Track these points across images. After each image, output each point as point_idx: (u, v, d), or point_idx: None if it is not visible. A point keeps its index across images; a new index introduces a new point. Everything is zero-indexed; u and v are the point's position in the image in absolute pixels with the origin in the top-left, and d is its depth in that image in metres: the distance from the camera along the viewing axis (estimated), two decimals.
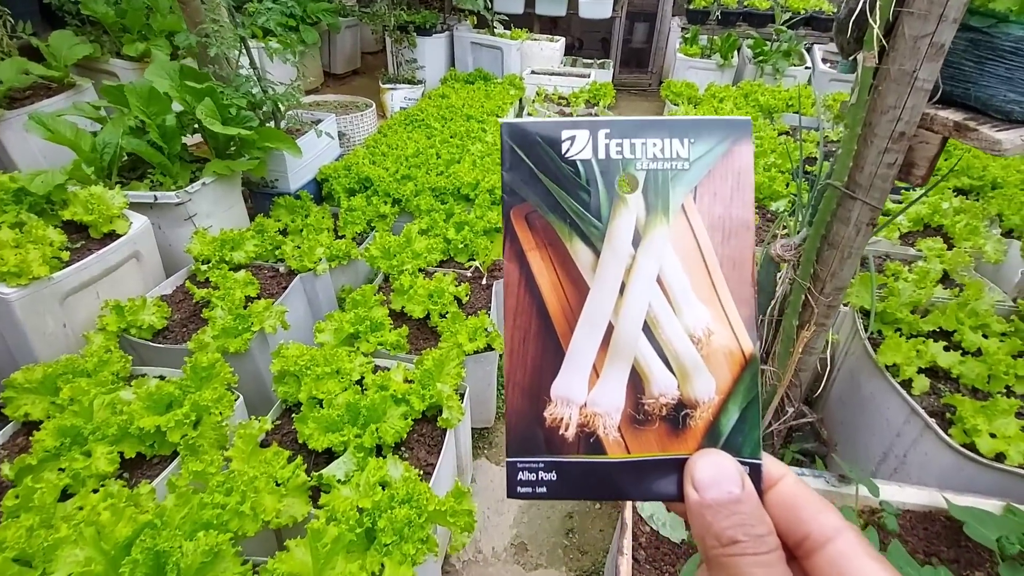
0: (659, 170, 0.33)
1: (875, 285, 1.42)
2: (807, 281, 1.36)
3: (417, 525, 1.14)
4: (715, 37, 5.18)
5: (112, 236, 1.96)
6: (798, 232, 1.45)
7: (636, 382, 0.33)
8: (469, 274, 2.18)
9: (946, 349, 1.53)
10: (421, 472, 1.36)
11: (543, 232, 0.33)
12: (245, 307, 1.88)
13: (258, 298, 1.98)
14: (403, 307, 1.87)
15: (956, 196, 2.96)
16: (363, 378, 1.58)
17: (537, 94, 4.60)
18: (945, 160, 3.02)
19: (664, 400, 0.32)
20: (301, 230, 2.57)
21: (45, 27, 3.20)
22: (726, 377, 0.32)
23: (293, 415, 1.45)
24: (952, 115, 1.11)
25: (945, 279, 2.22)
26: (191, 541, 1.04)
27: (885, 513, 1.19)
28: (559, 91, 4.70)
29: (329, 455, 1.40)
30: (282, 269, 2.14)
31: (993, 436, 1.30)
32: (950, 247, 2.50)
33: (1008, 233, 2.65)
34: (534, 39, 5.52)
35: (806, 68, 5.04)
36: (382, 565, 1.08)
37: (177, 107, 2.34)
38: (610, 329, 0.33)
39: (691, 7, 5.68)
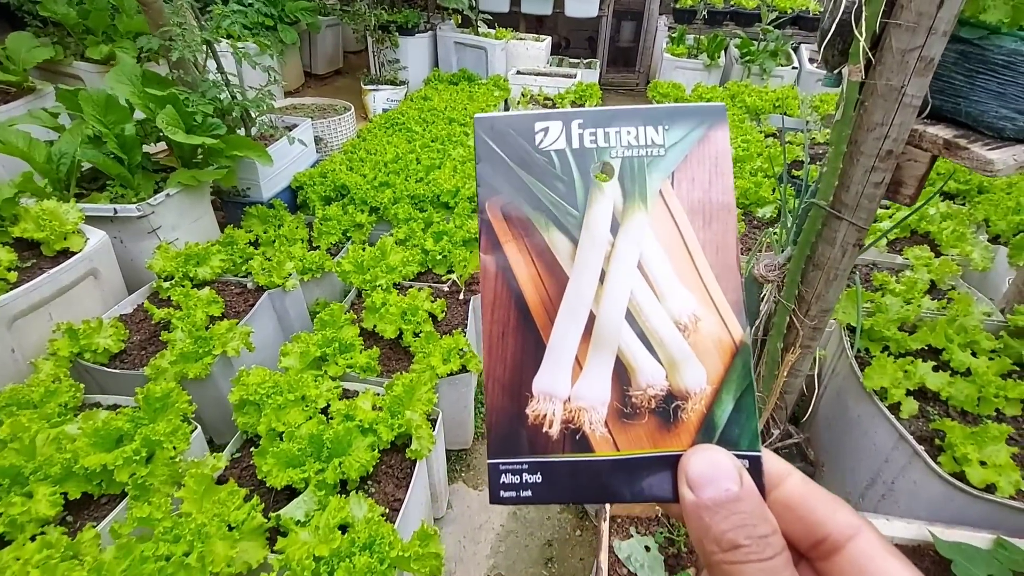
0: (634, 157, 0.32)
1: (862, 302, 1.36)
2: (792, 303, 1.30)
3: (379, 573, 1.06)
4: (702, 37, 5.12)
5: (67, 253, 1.85)
6: (782, 250, 1.39)
7: (621, 373, 0.31)
8: (446, 288, 2.10)
9: (935, 369, 1.48)
10: (387, 510, 1.28)
11: (519, 223, 0.32)
12: (209, 327, 1.79)
13: (223, 317, 1.88)
14: (375, 326, 1.79)
15: (943, 201, 2.93)
16: (329, 405, 1.50)
17: (522, 95, 4.52)
18: (938, 175, 2.99)
19: (652, 392, 0.31)
20: (273, 241, 2.47)
21: (5, 28, 3.05)
22: (717, 366, 0.31)
23: (252, 448, 1.36)
24: (942, 132, 1.04)
25: (933, 288, 2.18)
26: None
27: None
28: (544, 92, 4.62)
29: (291, 491, 1.32)
30: (250, 285, 2.04)
31: (984, 464, 1.25)
32: (937, 254, 2.47)
33: (995, 239, 2.62)
34: (520, 38, 5.43)
35: (793, 68, 5.00)
36: None
37: (140, 115, 2.23)
38: (591, 319, 0.31)
39: (678, 6, 5.62)
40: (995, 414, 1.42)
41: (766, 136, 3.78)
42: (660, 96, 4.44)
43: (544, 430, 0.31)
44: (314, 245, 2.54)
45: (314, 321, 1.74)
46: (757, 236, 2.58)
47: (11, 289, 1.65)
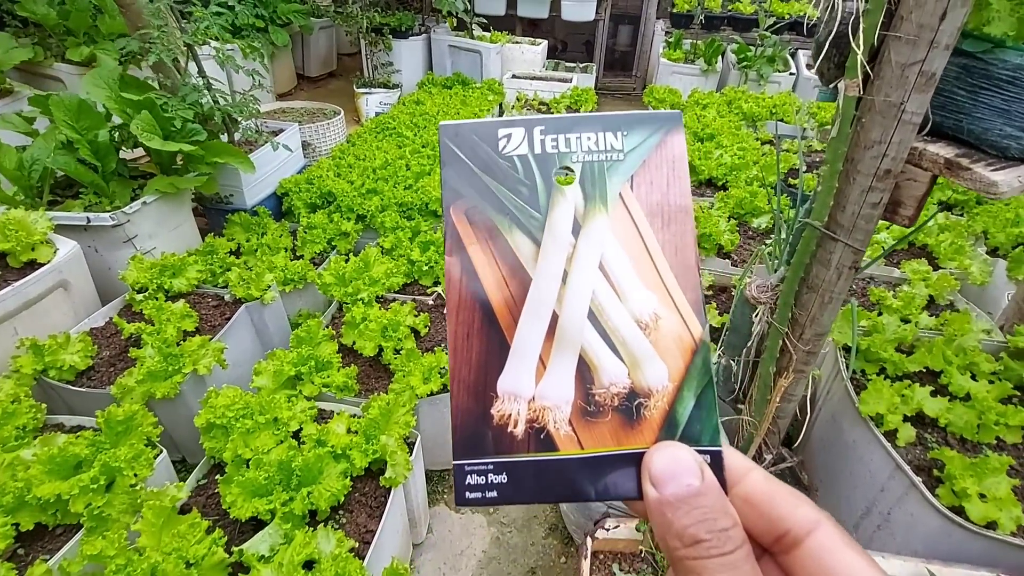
0: (595, 162, 0.33)
1: (857, 321, 1.30)
2: (785, 326, 1.24)
3: None
4: (699, 42, 5.07)
5: (35, 265, 1.78)
6: (775, 270, 1.33)
7: (584, 372, 0.31)
8: (431, 302, 2.03)
9: (933, 393, 1.42)
10: (358, 543, 1.22)
11: (483, 226, 0.33)
12: (183, 342, 1.72)
13: (196, 332, 1.82)
14: (354, 342, 1.72)
15: (941, 211, 2.88)
16: (302, 428, 1.43)
17: (517, 99, 4.46)
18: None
19: (615, 389, 0.31)
20: (255, 250, 2.40)
21: None
22: (678, 363, 0.31)
23: (218, 476, 1.30)
24: (943, 151, 0.99)
25: (931, 303, 2.12)
26: None
27: None
28: (540, 96, 4.57)
29: (258, 522, 1.25)
30: (227, 297, 1.98)
31: (983, 498, 1.19)
32: (935, 267, 2.42)
33: (993, 251, 2.57)
34: (515, 42, 5.38)
35: (790, 74, 4.95)
36: None
37: (118, 120, 2.16)
38: (555, 319, 0.32)
39: (675, 11, 5.57)
40: (995, 442, 1.36)
41: (763, 143, 3.73)
42: (656, 101, 4.39)
43: (509, 430, 0.31)
44: (298, 254, 2.47)
45: (291, 337, 1.67)
46: (752, 248, 2.53)
47: None
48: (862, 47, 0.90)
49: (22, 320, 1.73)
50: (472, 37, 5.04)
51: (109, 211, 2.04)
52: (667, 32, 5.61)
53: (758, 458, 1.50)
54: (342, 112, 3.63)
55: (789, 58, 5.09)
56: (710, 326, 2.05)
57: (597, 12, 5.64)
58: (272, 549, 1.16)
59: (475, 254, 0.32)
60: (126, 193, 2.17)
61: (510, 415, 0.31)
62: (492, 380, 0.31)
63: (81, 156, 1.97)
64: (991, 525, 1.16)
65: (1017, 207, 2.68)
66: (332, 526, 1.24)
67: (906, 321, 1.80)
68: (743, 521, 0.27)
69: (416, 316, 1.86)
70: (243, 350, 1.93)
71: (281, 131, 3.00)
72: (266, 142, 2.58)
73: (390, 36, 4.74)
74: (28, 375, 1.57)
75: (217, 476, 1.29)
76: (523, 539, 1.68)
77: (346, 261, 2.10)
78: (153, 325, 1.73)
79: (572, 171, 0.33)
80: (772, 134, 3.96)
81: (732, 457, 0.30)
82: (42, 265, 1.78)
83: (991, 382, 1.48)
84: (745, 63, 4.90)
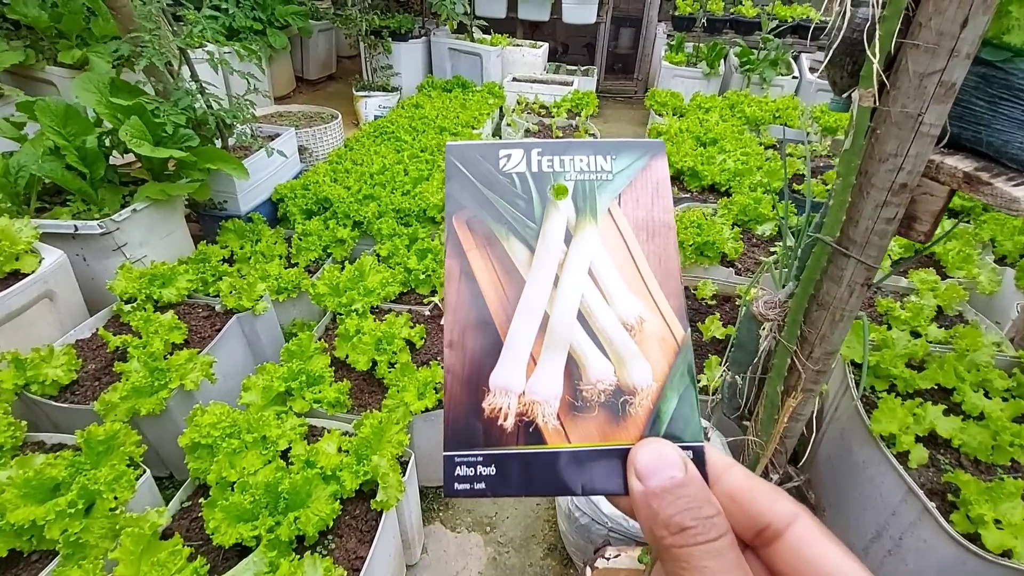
0: (586, 180, 0.36)
1: (867, 337, 1.25)
2: (793, 344, 1.19)
3: None
4: (701, 45, 5.03)
5: (19, 275, 1.74)
6: (783, 286, 1.28)
7: (573, 369, 0.33)
8: (427, 312, 1.98)
9: (946, 412, 1.37)
10: (347, 570, 1.17)
11: (482, 234, 0.35)
12: (172, 355, 1.67)
13: (186, 344, 1.77)
14: (347, 355, 1.67)
15: (947, 218, 2.83)
16: (291, 447, 1.38)
17: (518, 102, 4.42)
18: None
19: (602, 386, 0.33)
20: (249, 258, 2.36)
21: None
22: (661, 363, 0.33)
23: (202, 499, 1.25)
24: (961, 164, 0.94)
25: (940, 314, 2.07)
26: None
27: None
28: (540, 99, 4.52)
29: (243, 549, 1.20)
30: (218, 308, 1.93)
31: (999, 524, 1.14)
32: (942, 275, 2.36)
33: (1001, 260, 2.52)
34: (516, 45, 5.34)
35: (793, 78, 4.91)
36: None
37: (109, 125, 2.12)
38: (546, 319, 0.34)
39: (677, 14, 5.53)
40: (1010, 464, 1.31)
41: (766, 148, 3.68)
42: (658, 105, 4.35)
43: (499, 423, 0.32)
44: (292, 262, 2.43)
45: (282, 351, 1.62)
46: (756, 256, 2.48)
47: None
48: (878, 55, 0.85)
49: (5, 332, 1.68)
50: (472, 40, 5.00)
51: (98, 219, 1.99)
52: (669, 35, 5.57)
53: (765, 477, 1.45)
54: (340, 116, 3.59)
55: (792, 61, 5.04)
56: (714, 337, 1.99)
57: (598, 15, 5.60)
58: None
59: (474, 258, 0.34)
60: (116, 200, 2.13)
61: (501, 408, 0.32)
62: (485, 375, 0.32)
63: (68, 163, 1.93)
64: (1007, 553, 1.11)
65: None
66: (320, 552, 1.19)
67: (916, 335, 1.75)
68: (726, 516, 0.28)
69: (412, 328, 1.81)
70: (234, 362, 1.88)
71: (277, 135, 2.96)
72: (260, 148, 2.53)
73: (389, 39, 4.70)
74: (9, 390, 1.52)
75: (201, 499, 1.24)
76: (521, 560, 1.63)
77: (341, 269, 2.05)
78: (140, 337, 1.69)
79: (565, 187, 0.36)
80: (775, 138, 3.91)
81: (713, 454, 0.31)
82: (26, 275, 1.73)
83: (1005, 399, 1.43)
84: (748, 66, 4.85)
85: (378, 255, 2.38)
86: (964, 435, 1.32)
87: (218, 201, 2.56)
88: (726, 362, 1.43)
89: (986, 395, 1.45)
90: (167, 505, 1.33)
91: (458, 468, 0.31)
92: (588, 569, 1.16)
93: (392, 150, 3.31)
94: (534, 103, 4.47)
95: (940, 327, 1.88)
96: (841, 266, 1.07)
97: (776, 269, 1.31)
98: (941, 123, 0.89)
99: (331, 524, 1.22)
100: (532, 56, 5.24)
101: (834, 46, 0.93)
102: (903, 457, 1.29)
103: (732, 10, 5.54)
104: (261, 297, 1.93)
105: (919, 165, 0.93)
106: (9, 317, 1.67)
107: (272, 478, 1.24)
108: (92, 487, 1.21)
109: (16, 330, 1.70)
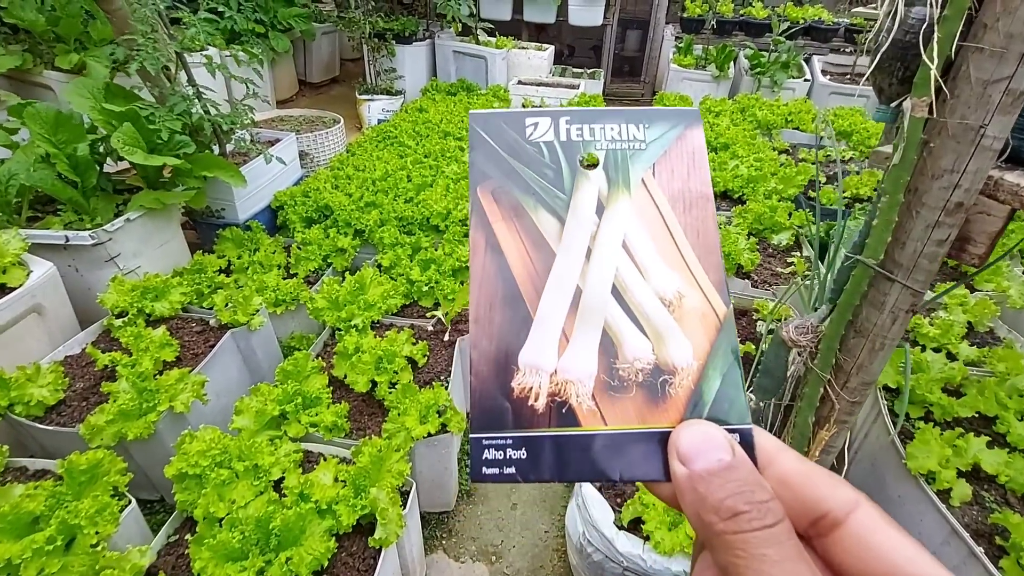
0: (618, 150, 0.34)
1: (909, 367, 1.15)
2: (827, 373, 1.10)
3: None
4: (710, 47, 4.93)
5: (5, 289, 1.66)
6: (813, 307, 1.18)
7: (608, 346, 0.31)
8: (431, 327, 1.89)
9: (989, 445, 1.26)
10: None
11: (508, 205, 0.33)
12: (163, 373, 1.59)
13: (177, 362, 1.69)
14: (346, 375, 1.59)
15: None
16: (285, 476, 1.29)
17: (523, 106, 4.34)
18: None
19: (639, 365, 0.31)
20: (247, 268, 2.28)
21: None
22: (702, 340, 0.31)
23: (188, 536, 1.16)
24: None
25: (970, 330, 1.96)
26: None
27: None
28: (546, 103, 4.44)
29: None
30: (213, 322, 1.85)
31: None
32: (970, 288, 2.26)
33: None
34: (521, 47, 5.26)
35: (805, 80, 4.80)
36: None
37: (104, 131, 2.05)
38: (578, 293, 0.32)
39: (685, 15, 5.44)
40: None
41: (779, 152, 3.58)
42: None
43: (530, 403, 0.30)
44: (291, 272, 2.35)
45: (277, 371, 1.54)
46: (772, 266, 2.38)
47: None
48: (936, 60, 0.76)
49: None
50: (477, 42, 4.93)
51: (90, 229, 1.92)
52: (677, 37, 5.48)
53: None
54: (342, 121, 3.52)
55: (803, 64, 4.94)
56: None
57: (605, 17, 5.51)
58: None
59: (500, 230, 0.32)
60: (109, 209, 2.06)
61: (531, 388, 0.30)
62: (514, 352, 0.30)
63: (59, 171, 1.86)
64: None
65: None
66: None
67: (949, 356, 1.65)
68: None
69: (414, 344, 1.72)
70: (228, 379, 1.80)
71: (277, 141, 2.89)
72: (259, 154, 2.46)
73: (393, 41, 4.63)
74: None
75: (188, 535, 1.16)
76: None
77: (341, 281, 1.97)
78: (130, 355, 1.61)
79: (596, 156, 0.34)
80: (788, 143, 3.81)
81: (762, 437, 0.29)
82: (13, 289, 1.66)
83: None
84: (758, 69, 4.75)
85: (379, 265, 2.30)
86: (1011, 470, 1.21)
87: (215, 209, 2.49)
88: (749, 387, 1.33)
89: None
90: (155, 535, 1.25)
91: (486, 451, 0.29)
92: None
93: (395, 155, 3.23)
94: (540, 106, 4.39)
95: (971, 344, 1.78)
96: (884, 291, 0.97)
97: (804, 288, 1.22)
98: (1004, 136, 0.80)
99: (326, 563, 1.13)
100: (538, 59, 5.16)
101: (882, 49, 0.83)
102: (944, 495, 1.19)
103: (742, 12, 5.44)
104: (257, 311, 1.85)
105: (977, 182, 0.83)
106: None
107: (263, 512, 1.15)
108: (72, 521, 1.13)
109: (3, 347, 1.63)
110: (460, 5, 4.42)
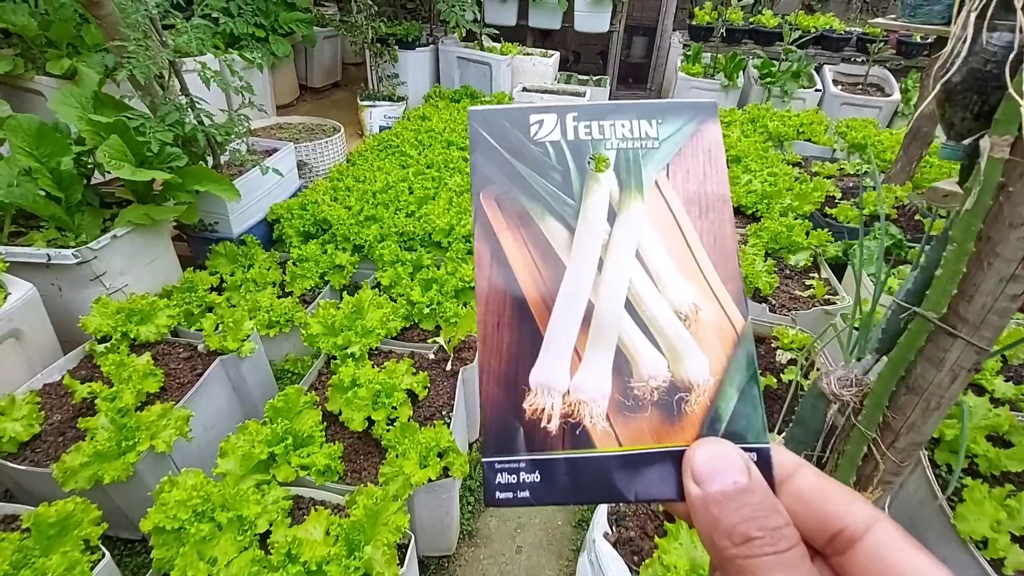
0: (629, 149, 0.33)
1: (967, 428, 1.05)
2: (874, 431, 0.99)
3: None
4: (719, 56, 4.84)
5: None
6: (854, 355, 1.07)
7: (622, 364, 0.30)
8: (432, 355, 1.79)
9: None
10: None
11: (514, 213, 0.32)
12: (145, 406, 1.49)
13: (162, 392, 1.58)
14: (341, 410, 1.48)
15: None
16: (272, 529, 1.19)
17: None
18: None
19: (655, 383, 0.30)
20: (240, 286, 2.18)
21: None
22: (719, 355, 0.30)
23: None
24: None
25: (1004, 364, 1.85)
26: None
27: None
28: None
29: None
30: (201, 348, 1.74)
31: None
32: None
33: None
34: (526, 53, 5.17)
35: (816, 91, 4.71)
36: None
37: (93, 143, 1.95)
38: (590, 308, 0.31)
39: (694, 23, 5.34)
40: None
41: (791, 165, 3.47)
42: None
43: (542, 425, 0.29)
44: (287, 290, 2.25)
45: (266, 407, 1.43)
46: (791, 289, 2.27)
47: None
48: None
49: None
50: (482, 48, 4.84)
51: (73, 247, 1.82)
52: (685, 45, 5.39)
53: None
54: (342, 129, 3.42)
55: (814, 73, 4.84)
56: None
57: (611, 23, 5.42)
58: None
59: (506, 241, 0.31)
60: (96, 224, 1.96)
61: (543, 409, 0.29)
62: (524, 372, 0.29)
63: (42, 186, 1.75)
64: None
65: None
66: None
67: (977, 388, 1.54)
68: (794, 520, 0.26)
69: (414, 375, 1.61)
70: (217, 409, 1.69)
71: (275, 151, 2.79)
72: (254, 166, 2.36)
73: (396, 47, 4.54)
74: None
75: None
76: None
77: (338, 304, 1.86)
78: (111, 386, 1.50)
79: (606, 157, 0.32)
80: (800, 156, 3.70)
81: (780, 454, 0.28)
82: None
83: None
84: (768, 79, 4.66)
85: (379, 284, 2.20)
86: None
87: (208, 223, 2.39)
88: (782, 438, 1.22)
89: None
90: None
91: (499, 476, 0.28)
92: None
93: (397, 165, 3.13)
94: None
95: (1007, 380, 1.67)
96: (944, 347, 0.86)
97: (846, 339, 1.11)
98: None
99: None
100: (543, 65, 5.06)
101: (956, 80, 0.73)
102: (997, 564, 1.08)
103: (752, 20, 5.35)
104: (248, 336, 1.74)
105: None
106: None
107: (249, 573, 1.05)
108: None
109: None
110: (464, 10, 4.34)
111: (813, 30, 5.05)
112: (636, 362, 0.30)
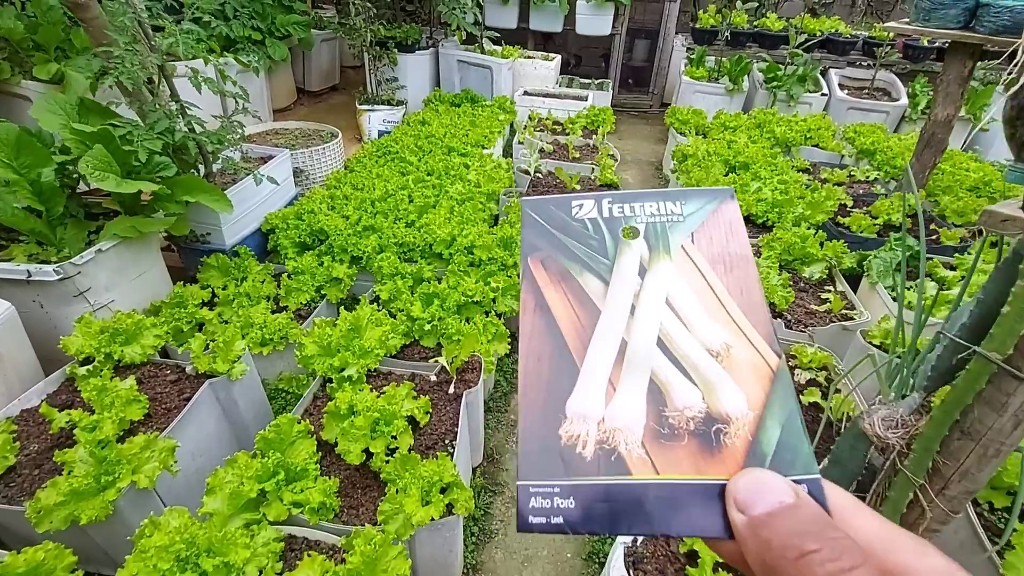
0: (657, 223, 0.36)
1: None
2: (922, 477, 0.90)
3: None
4: (724, 59, 4.76)
5: None
6: (898, 391, 0.99)
7: (656, 394, 0.31)
8: (434, 376, 1.70)
9: None
10: None
11: (556, 271, 0.36)
12: (127, 435, 1.40)
13: (147, 419, 1.49)
14: (337, 440, 1.39)
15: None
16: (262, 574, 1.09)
17: (529, 118, 4.15)
18: None
19: (690, 413, 0.30)
20: (232, 300, 2.08)
21: None
22: (756, 391, 0.30)
23: None
24: None
25: None
26: None
27: None
28: (553, 115, 4.26)
29: None
30: (189, 370, 1.65)
31: None
32: None
33: None
34: (528, 56, 5.09)
35: (822, 95, 4.63)
36: None
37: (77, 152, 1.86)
38: (623, 345, 0.33)
39: (697, 26, 5.27)
40: None
41: (799, 171, 3.39)
42: (679, 123, 4.07)
43: (578, 451, 0.30)
44: (281, 305, 2.15)
45: (257, 439, 1.34)
46: (806, 303, 2.18)
47: None
48: None
49: None
50: (482, 51, 4.76)
51: (55, 262, 1.72)
52: (689, 48, 5.31)
53: None
54: (340, 135, 3.33)
55: (820, 77, 4.77)
56: None
57: (613, 26, 5.35)
58: None
59: (549, 293, 0.35)
60: (80, 238, 1.86)
61: (579, 436, 0.30)
62: (561, 401, 0.31)
63: (22, 199, 1.66)
64: None
65: None
66: None
67: None
68: None
69: (415, 398, 1.52)
70: (206, 435, 1.60)
71: (270, 158, 2.70)
72: (248, 174, 2.27)
73: (395, 50, 4.46)
74: None
75: None
76: None
77: (336, 319, 1.77)
78: (92, 413, 1.41)
79: (637, 229, 0.36)
80: (808, 161, 3.62)
81: (834, 492, 0.27)
82: None
83: None
84: (774, 83, 4.58)
85: (377, 298, 2.11)
86: None
87: (200, 233, 2.30)
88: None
89: None
90: None
91: (533, 499, 0.28)
92: None
93: (396, 172, 3.05)
94: (547, 119, 4.21)
95: None
96: (1007, 391, 0.78)
97: (888, 375, 1.02)
98: None
99: None
100: (544, 69, 4.98)
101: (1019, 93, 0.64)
102: None
103: (757, 23, 5.28)
104: (239, 357, 1.65)
105: None
106: None
107: None
108: None
109: None
110: (465, 13, 4.25)
111: (819, 33, 4.98)
112: (669, 392, 0.31)
